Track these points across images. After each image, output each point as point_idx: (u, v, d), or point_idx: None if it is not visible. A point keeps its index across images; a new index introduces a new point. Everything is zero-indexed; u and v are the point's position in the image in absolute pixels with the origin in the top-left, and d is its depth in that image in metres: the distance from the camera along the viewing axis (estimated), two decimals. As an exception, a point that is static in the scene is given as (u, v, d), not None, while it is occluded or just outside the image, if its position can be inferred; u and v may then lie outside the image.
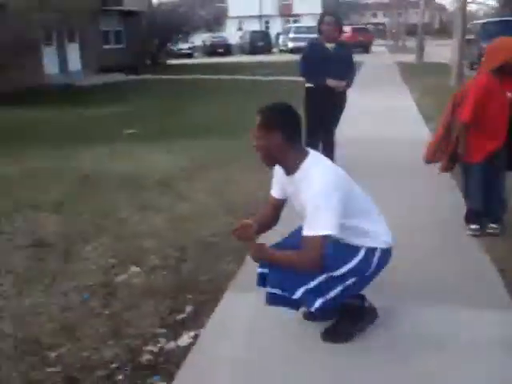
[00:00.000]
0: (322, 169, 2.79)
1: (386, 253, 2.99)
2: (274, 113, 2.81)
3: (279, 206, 3.12)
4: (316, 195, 2.70)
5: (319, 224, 2.69)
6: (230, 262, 4.19)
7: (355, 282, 2.91)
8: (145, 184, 6.43)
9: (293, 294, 2.85)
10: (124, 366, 2.99)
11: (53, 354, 3.09)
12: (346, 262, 2.88)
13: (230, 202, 5.60)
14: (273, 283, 2.91)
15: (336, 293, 2.87)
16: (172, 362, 3.01)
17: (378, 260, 2.95)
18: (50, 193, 6.19)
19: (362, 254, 2.92)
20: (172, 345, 3.18)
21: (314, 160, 2.84)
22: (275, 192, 3.10)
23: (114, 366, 2.98)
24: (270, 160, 2.87)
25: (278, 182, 3.05)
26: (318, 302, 2.86)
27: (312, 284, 2.84)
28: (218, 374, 2.88)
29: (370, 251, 2.93)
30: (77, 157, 8.03)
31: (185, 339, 3.22)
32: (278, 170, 3.00)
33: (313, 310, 2.89)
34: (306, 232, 2.72)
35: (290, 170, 2.85)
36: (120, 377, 2.90)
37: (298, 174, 2.82)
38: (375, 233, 2.96)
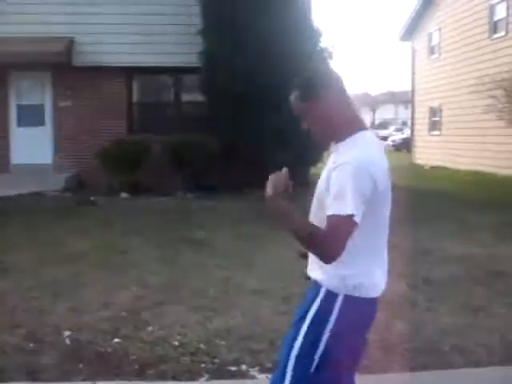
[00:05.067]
0: (368, 143, 2.35)
1: (357, 304, 2.30)
2: (308, 80, 2.38)
3: None
4: (345, 170, 2.22)
5: (343, 203, 2.17)
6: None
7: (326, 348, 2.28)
8: None
9: None
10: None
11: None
12: (306, 311, 2.35)
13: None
14: None
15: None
16: None
17: (341, 312, 2.28)
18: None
19: (321, 295, 2.33)
20: None
21: (366, 136, 2.37)
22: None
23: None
24: (325, 137, 2.42)
25: None
26: None
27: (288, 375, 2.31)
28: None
29: (331, 295, 2.31)
30: None
31: None
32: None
33: None
34: (327, 212, 2.22)
35: (340, 139, 2.37)
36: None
37: (346, 141, 2.35)
38: (358, 269, 2.31)
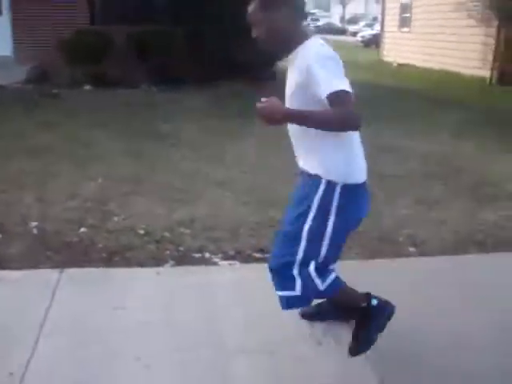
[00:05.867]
0: (322, 43, 2.61)
1: (353, 189, 2.69)
2: None
3: None
4: (320, 56, 2.50)
5: (337, 80, 2.43)
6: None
7: (333, 228, 2.68)
8: None
9: (293, 289, 2.73)
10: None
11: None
12: (309, 205, 2.67)
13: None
14: (277, 286, 2.80)
15: (324, 252, 2.71)
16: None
17: (341, 198, 2.65)
18: None
19: (322, 186, 2.65)
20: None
21: (317, 39, 2.65)
22: None
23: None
24: (275, 45, 2.67)
25: None
26: (318, 280, 2.73)
27: (298, 259, 2.70)
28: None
29: (331, 186, 2.65)
30: None
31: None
32: None
33: (323, 288, 2.76)
34: (328, 90, 2.40)
35: (293, 49, 2.64)
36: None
37: (299, 48, 2.61)
38: (349, 155, 2.66)
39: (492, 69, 15.97)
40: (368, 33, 37.61)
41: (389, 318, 2.97)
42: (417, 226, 4.93)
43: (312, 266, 2.71)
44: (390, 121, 9.42)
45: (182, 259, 4.13)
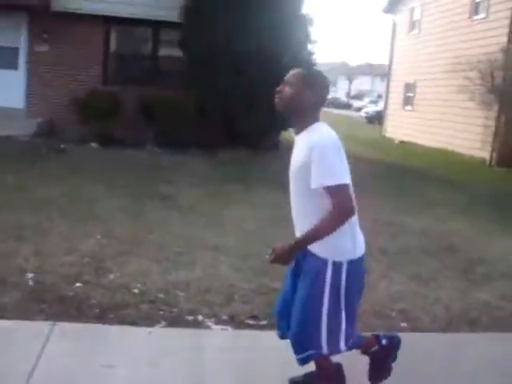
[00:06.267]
0: (329, 129, 2.85)
1: (356, 262, 2.92)
2: (319, 77, 2.96)
3: None
4: (324, 142, 2.74)
5: (336, 173, 2.70)
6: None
7: (348, 303, 2.90)
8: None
9: (321, 349, 2.89)
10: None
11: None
12: (321, 290, 2.85)
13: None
14: (298, 350, 2.94)
15: (344, 320, 2.90)
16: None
17: (348, 273, 2.87)
18: None
19: (329, 268, 2.85)
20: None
21: (326, 125, 2.89)
22: None
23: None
24: (287, 111, 2.90)
25: None
26: (342, 343, 2.93)
27: (323, 326, 2.87)
28: None
29: (337, 265, 2.85)
30: None
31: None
32: None
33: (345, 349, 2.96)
34: (326, 181, 2.69)
35: (302, 128, 2.89)
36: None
37: (307, 130, 2.86)
38: (349, 234, 2.87)
39: (491, 151, 16.29)
40: (372, 109, 38.42)
41: (398, 348, 3.31)
42: (410, 301, 4.96)
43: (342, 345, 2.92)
44: (389, 197, 9.55)
45: (175, 320, 4.15)
